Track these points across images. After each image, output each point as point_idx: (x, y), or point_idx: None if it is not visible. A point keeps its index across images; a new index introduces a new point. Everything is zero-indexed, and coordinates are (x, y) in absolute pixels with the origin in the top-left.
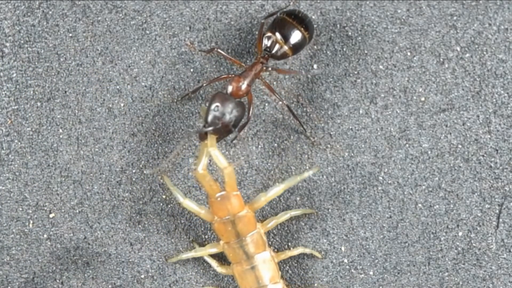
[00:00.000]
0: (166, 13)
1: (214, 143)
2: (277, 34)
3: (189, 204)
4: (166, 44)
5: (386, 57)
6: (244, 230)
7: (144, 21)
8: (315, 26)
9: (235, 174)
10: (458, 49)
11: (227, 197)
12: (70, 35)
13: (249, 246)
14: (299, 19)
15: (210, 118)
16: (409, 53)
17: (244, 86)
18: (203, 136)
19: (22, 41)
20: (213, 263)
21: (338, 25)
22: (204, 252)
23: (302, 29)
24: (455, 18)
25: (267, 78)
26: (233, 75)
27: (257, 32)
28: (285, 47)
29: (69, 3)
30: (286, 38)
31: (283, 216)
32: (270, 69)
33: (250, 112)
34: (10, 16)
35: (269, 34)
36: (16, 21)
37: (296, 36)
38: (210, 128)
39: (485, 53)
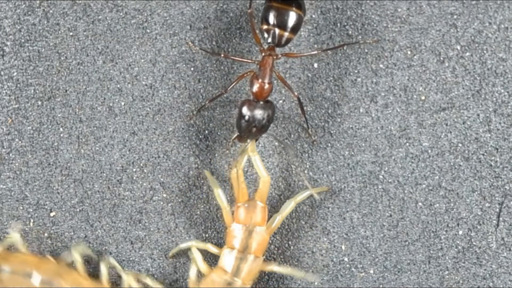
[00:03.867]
0: (166, 12)
1: (254, 148)
2: (273, 24)
3: (220, 194)
4: (166, 43)
5: (386, 56)
6: (252, 247)
7: (145, 20)
8: (316, 25)
9: (270, 185)
10: (458, 48)
11: (254, 205)
12: (71, 34)
13: (245, 266)
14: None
15: (243, 128)
16: (409, 52)
17: (266, 86)
18: (242, 139)
19: (22, 40)
20: (199, 258)
21: (338, 24)
22: (203, 245)
23: (294, 8)
24: (455, 17)
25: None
26: (248, 72)
27: (257, 31)
28: (286, 33)
29: (69, 2)
30: (283, 25)
31: (285, 211)
32: (280, 56)
33: None
34: (11, 15)
35: (265, 27)
36: (17, 20)
37: (291, 18)
38: (246, 137)
39: (485, 52)
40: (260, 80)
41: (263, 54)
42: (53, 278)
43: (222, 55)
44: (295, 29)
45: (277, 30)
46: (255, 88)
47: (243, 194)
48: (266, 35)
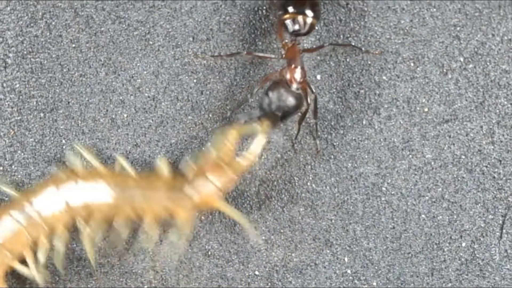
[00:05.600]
0: (169, 23)
1: (266, 128)
2: (294, 12)
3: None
4: (169, 55)
5: (389, 68)
6: (200, 196)
7: (147, 31)
8: (319, 37)
9: (248, 168)
10: (462, 59)
11: (226, 173)
12: (73, 45)
13: (179, 199)
14: None
15: (262, 103)
16: (412, 64)
17: (299, 70)
18: (263, 121)
19: (25, 52)
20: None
21: (341, 36)
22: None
23: None
24: (458, 28)
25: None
26: (272, 74)
27: (260, 43)
28: (309, 18)
29: (72, 13)
30: (304, 11)
31: None
32: (301, 52)
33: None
34: (13, 27)
35: (287, 16)
36: (19, 31)
37: (311, 4)
38: (259, 113)
39: (488, 63)
40: (293, 66)
41: (289, 46)
42: None
43: (245, 53)
44: (317, 15)
45: (300, 17)
46: (288, 71)
47: (226, 153)
48: (289, 24)
